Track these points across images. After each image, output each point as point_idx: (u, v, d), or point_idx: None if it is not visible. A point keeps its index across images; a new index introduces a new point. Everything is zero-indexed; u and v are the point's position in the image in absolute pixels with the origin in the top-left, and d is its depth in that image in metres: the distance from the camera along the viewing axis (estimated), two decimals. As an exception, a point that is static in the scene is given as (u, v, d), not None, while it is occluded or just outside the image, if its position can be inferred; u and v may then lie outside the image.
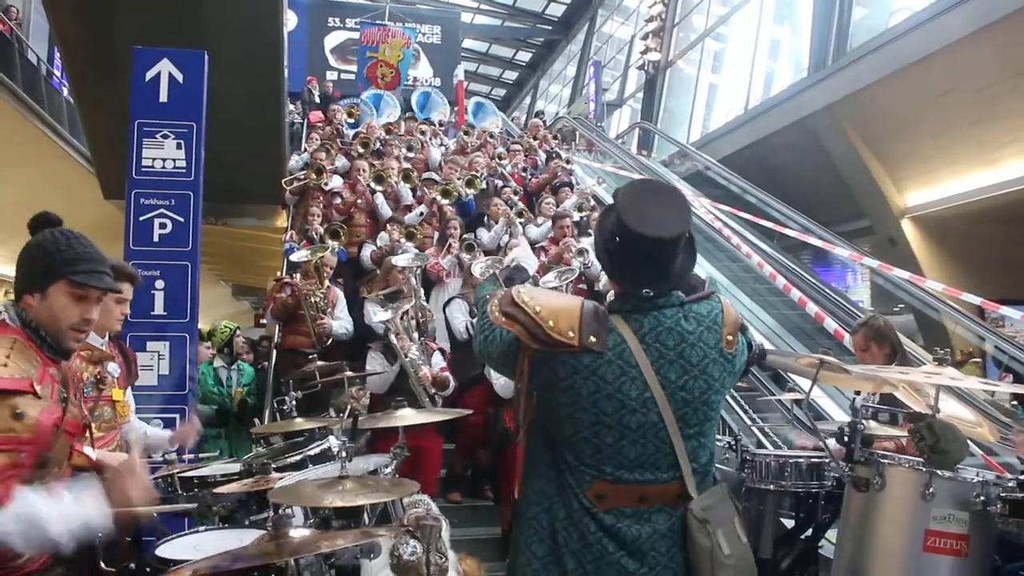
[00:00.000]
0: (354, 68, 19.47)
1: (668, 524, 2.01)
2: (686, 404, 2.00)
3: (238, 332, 7.27)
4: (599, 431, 1.97)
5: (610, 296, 2.43)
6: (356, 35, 19.28)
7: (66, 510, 1.98)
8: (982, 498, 2.61)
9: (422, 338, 5.75)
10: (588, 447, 1.99)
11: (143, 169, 5.31)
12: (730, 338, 2.07)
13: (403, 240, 7.41)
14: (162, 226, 5.27)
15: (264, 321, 6.87)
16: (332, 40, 21.91)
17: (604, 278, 7.31)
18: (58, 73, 14.27)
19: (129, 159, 5.30)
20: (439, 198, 8.40)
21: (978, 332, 8.27)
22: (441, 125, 13.10)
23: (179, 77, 5.46)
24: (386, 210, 8.46)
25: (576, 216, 8.72)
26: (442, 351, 5.95)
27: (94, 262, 2.20)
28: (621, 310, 2.07)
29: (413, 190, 8.90)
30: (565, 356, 1.97)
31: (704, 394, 2.01)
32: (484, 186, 9.42)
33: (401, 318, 5.47)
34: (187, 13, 7.61)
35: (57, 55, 13.37)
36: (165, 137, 5.36)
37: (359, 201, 8.47)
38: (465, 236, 7.52)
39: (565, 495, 2.03)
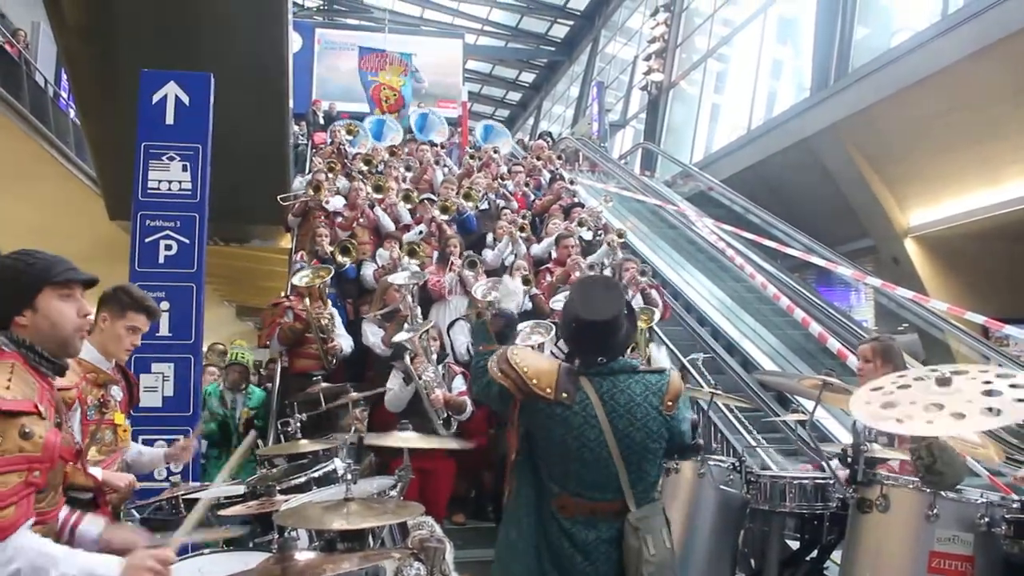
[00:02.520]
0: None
1: (609, 533, 2.61)
2: (628, 448, 2.60)
3: (236, 368, 7.02)
4: (565, 461, 2.62)
5: None
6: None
7: (76, 556, 1.99)
8: (987, 519, 2.61)
9: (445, 360, 5.77)
10: (557, 469, 2.66)
11: (149, 191, 5.34)
12: (670, 403, 2.67)
13: (405, 258, 7.41)
14: (167, 247, 5.30)
15: (268, 345, 6.78)
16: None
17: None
18: (65, 95, 14.36)
19: (135, 181, 5.34)
20: (438, 215, 8.41)
21: (982, 351, 8.26)
22: (443, 147, 13.12)
23: (185, 99, 5.51)
24: (388, 223, 8.45)
25: (587, 235, 8.72)
26: (464, 375, 5.95)
27: (64, 263, 2.24)
28: (587, 373, 2.68)
29: (412, 211, 8.90)
30: (542, 405, 2.62)
31: (643, 441, 2.62)
32: (486, 205, 9.43)
33: (421, 338, 5.49)
34: (193, 36, 7.67)
35: (64, 77, 13.47)
36: (171, 159, 5.40)
37: (360, 219, 8.48)
38: (467, 253, 7.53)
39: (540, 503, 2.70)
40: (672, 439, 2.70)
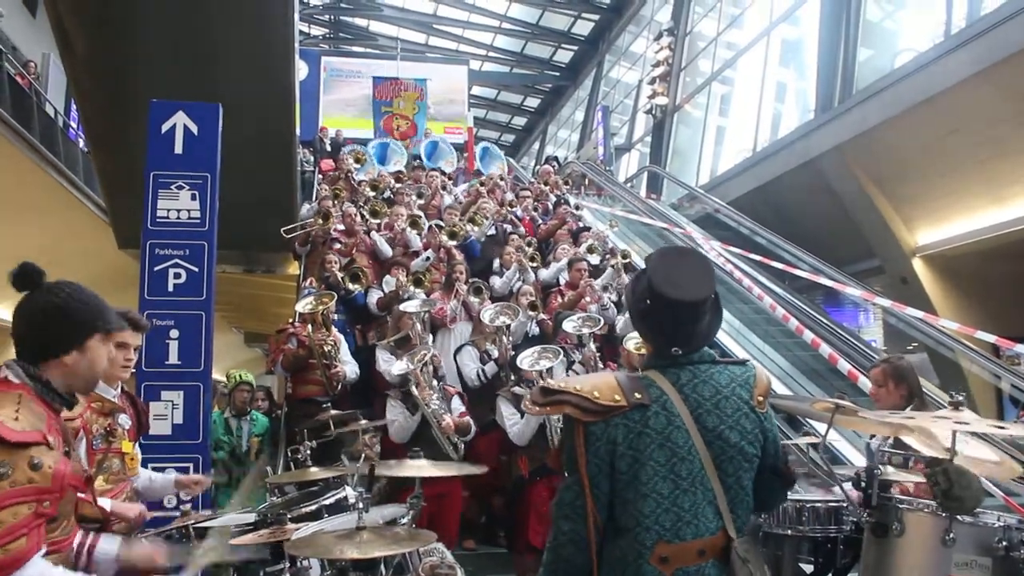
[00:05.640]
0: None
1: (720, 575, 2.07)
2: (723, 452, 2.08)
3: (243, 387, 7.00)
4: (656, 483, 2.04)
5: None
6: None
7: None
8: (1005, 543, 2.58)
9: (440, 384, 5.76)
10: (648, 504, 2.04)
11: (158, 219, 5.37)
12: (760, 399, 2.16)
13: (411, 287, 7.42)
14: (176, 276, 5.31)
15: (273, 371, 6.80)
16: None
17: (621, 321, 7.30)
18: (75, 125, 14.50)
19: (144, 210, 5.36)
20: (445, 239, 8.43)
21: (993, 370, 8.21)
22: (450, 177, 13.16)
23: (194, 129, 5.54)
24: (384, 247, 8.46)
25: (594, 260, 8.72)
26: (460, 395, 5.95)
27: (112, 310, 2.30)
28: (657, 365, 2.19)
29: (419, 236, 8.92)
30: (618, 420, 2.06)
31: (739, 444, 2.10)
32: (493, 231, 9.44)
33: (421, 369, 5.49)
34: (200, 66, 7.75)
35: (74, 107, 13.60)
36: (180, 188, 5.43)
37: (359, 243, 8.49)
38: (472, 280, 7.53)
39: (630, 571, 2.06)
40: (767, 448, 2.19)
